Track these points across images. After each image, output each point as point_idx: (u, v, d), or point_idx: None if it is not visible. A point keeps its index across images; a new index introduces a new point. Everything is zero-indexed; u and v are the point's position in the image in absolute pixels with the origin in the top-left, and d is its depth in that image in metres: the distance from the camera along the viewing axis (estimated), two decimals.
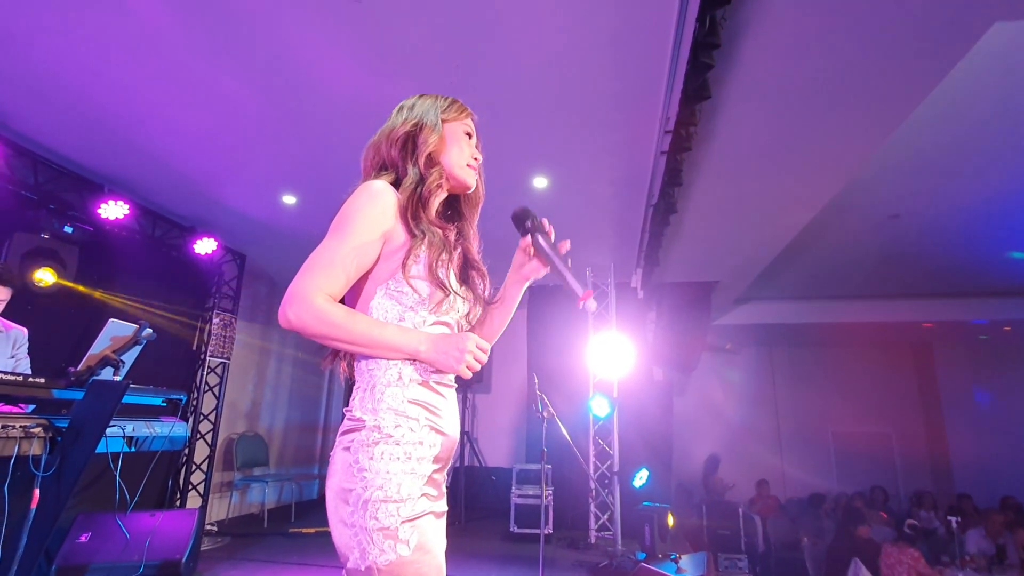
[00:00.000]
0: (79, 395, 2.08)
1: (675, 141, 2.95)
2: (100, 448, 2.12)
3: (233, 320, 5.63)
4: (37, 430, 1.94)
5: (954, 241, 5.62)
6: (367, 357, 1.09)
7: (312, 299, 1.01)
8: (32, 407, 2.04)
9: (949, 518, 5.88)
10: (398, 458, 1.01)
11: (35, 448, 1.96)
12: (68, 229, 3.85)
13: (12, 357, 2.57)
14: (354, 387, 1.11)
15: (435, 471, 1.08)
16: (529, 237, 1.22)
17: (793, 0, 2.31)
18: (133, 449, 2.34)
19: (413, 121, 1.21)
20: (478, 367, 1.08)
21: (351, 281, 1.08)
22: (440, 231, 1.16)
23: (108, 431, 2.13)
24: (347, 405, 1.11)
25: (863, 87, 2.88)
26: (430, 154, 1.19)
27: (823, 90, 2.92)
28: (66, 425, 2.01)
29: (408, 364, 1.08)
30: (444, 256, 1.13)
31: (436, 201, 1.22)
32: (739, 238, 5.12)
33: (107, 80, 3.09)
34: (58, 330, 3.64)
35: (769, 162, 3.69)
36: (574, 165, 3.94)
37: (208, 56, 2.89)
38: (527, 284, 1.31)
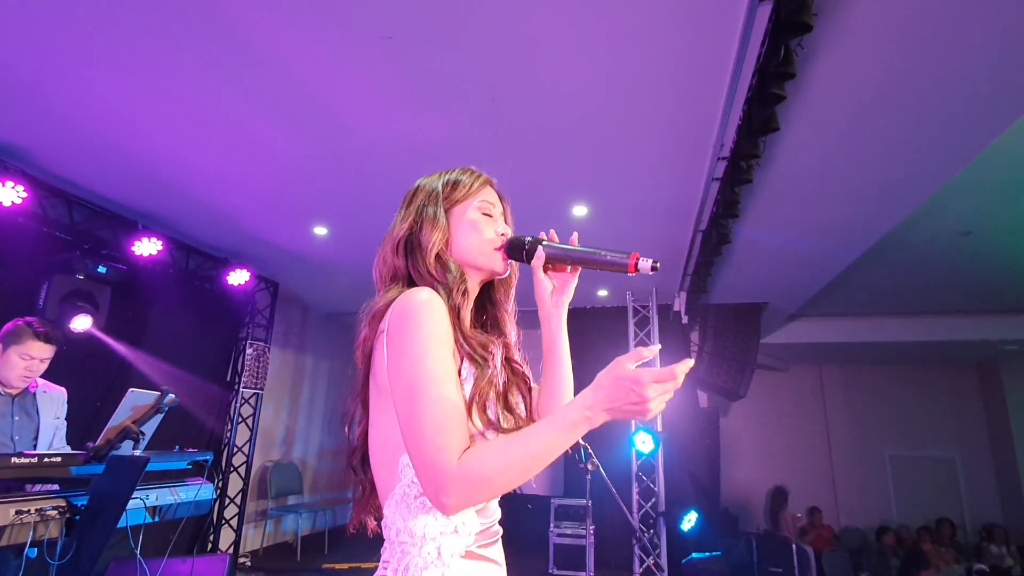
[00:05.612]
0: (99, 469, 1.95)
1: (734, 173, 2.68)
2: (121, 523, 1.99)
3: (266, 350, 5.57)
4: (53, 513, 1.81)
5: None
6: (399, 531, 0.86)
7: (450, 472, 0.76)
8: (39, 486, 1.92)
9: None
10: None
11: (51, 531, 1.83)
12: (102, 269, 3.80)
13: (56, 418, 2.49)
14: (382, 556, 0.88)
15: None
16: (536, 252, 1.01)
17: (877, 17, 2.04)
18: (156, 519, 2.20)
19: (411, 218, 1.01)
20: (669, 396, 0.79)
21: (467, 419, 0.83)
22: (487, 356, 0.92)
23: (129, 503, 1.99)
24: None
25: (944, 108, 2.56)
26: (438, 254, 0.97)
27: (902, 111, 2.60)
28: (84, 504, 1.88)
29: (449, 535, 0.85)
30: (492, 393, 0.91)
31: (467, 308, 0.99)
32: (795, 262, 4.76)
33: (138, 123, 3.03)
34: (87, 381, 3.55)
35: (834, 186, 3.37)
36: (616, 192, 3.70)
37: (238, 97, 2.78)
38: (565, 308, 1.09)
